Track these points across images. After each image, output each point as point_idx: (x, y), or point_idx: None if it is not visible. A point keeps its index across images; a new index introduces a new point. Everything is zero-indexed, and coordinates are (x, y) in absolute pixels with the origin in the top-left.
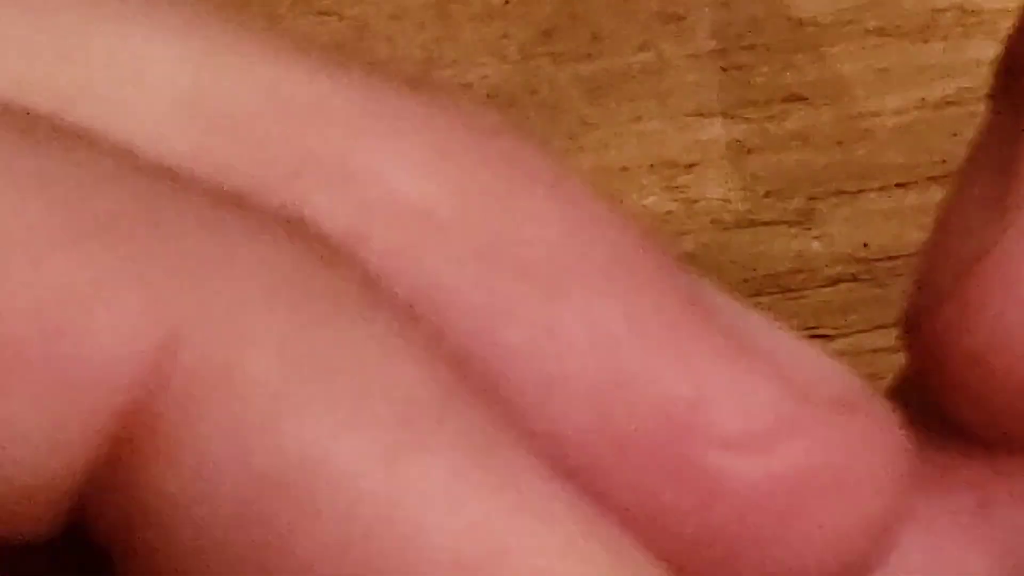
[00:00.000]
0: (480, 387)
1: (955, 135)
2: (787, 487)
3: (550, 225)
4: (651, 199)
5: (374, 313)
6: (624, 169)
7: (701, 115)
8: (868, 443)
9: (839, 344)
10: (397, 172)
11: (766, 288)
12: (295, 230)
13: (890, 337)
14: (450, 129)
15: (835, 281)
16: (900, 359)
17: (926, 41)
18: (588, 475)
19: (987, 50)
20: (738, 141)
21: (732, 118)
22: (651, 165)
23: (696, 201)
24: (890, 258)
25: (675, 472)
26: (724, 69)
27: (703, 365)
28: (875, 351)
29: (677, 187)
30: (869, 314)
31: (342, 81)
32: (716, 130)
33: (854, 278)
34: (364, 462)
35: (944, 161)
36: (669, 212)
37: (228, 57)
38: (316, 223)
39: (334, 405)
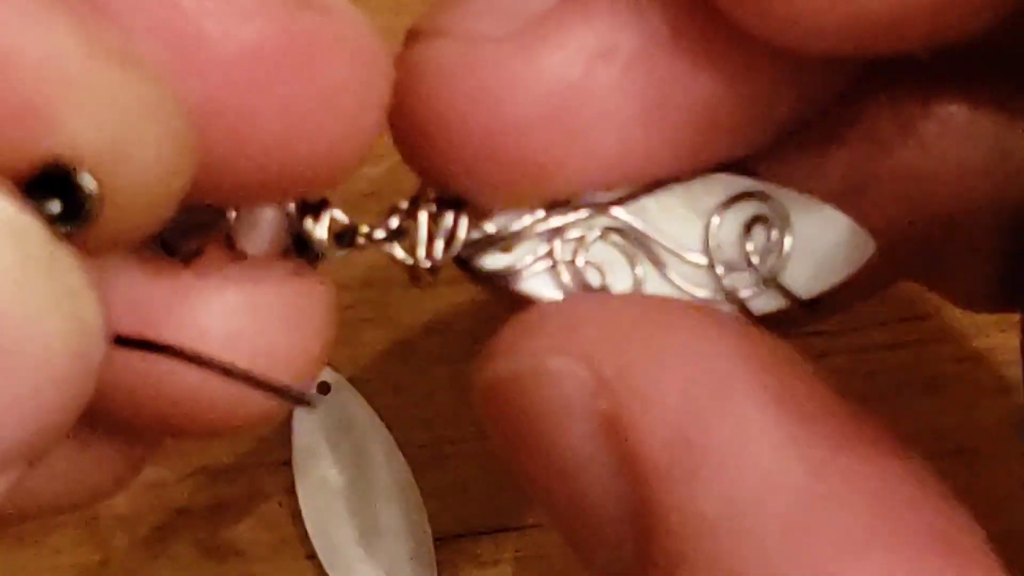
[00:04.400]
0: None
1: None
2: (250, 63)
3: None
4: None
5: None
6: None
7: None
8: (333, 40)
9: (839, 342)
10: None
11: None
12: None
13: (890, 334)
14: None
15: None
16: (900, 357)
17: None
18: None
19: None
20: None
21: None
22: None
23: None
24: None
25: (160, 32)
26: None
27: None
28: (875, 348)
29: None
30: (869, 311)
31: None
32: None
33: None
34: None
35: None
36: None
37: None
38: None
39: None
